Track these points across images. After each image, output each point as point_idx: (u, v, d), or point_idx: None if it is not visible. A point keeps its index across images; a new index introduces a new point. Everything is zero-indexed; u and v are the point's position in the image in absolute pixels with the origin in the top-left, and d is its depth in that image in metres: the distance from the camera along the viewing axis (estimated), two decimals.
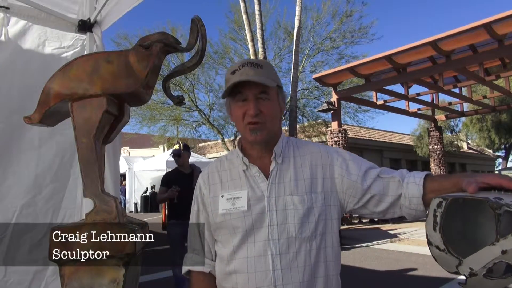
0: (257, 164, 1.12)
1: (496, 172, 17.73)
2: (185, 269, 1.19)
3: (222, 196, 1.11)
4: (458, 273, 0.78)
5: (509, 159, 24.09)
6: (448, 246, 0.79)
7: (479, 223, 0.83)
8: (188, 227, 1.21)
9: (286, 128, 10.27)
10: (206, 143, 21.56)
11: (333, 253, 1.08)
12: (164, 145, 20.24)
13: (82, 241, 1.12)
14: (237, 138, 16.93)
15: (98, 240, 1.13)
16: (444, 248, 0.79)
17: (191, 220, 1.20)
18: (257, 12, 10.16)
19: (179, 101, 1.37)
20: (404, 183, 1.03)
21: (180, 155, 4.15)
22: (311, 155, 1.14)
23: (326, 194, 1.08)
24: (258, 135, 1.07)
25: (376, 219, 10.34)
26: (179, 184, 3.97)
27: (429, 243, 0.84)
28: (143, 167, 15.95)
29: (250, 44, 10.38)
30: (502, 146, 23.33)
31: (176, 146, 4.24)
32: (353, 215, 10.88)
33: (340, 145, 9.65)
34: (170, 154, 4.33)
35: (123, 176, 16.25)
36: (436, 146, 12.75)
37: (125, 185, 16.59)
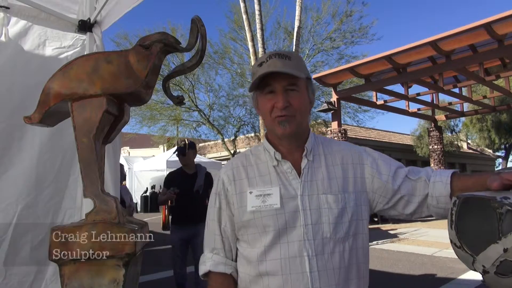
0: (288, 160, 1.07)
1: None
2: (204, 270, 1.09)
3: (251, 193, 1.04)
4: (475, 270, 0.79)
5: (509, 159, 24.09)
6: (462, 243, 0.80)
7: (493, 221, 0.84)
8: (206, 224, 1.14)
9: None
10: (206, 143, 21.55)
11: (364, 255, 1.06)
12: (164, 145, 20.23)
13: (82, 241, 1.12)
14: (238, 138, 16.95)
15: (98, 240, 1.13)
16: (460, 245, 0.81)
17: (211, 218, 1.12)
18: (257, 12, 10.17)
19: (179, 101, 1.37)
20: (430, 182, 1.03)
21: (184, 154, 3.80)
22: (341, 154, 1.10)
23: (357, 194, 1.05)
24: (287, 127, 1.02)
25: (376, 219, 10.34)
26: (181, 185, 3.68)
27: (450, 240, 0.85)
28: (143, 167, 15.94)
29: (250, 44, 10.38)
30: (502, 146, 23.32)
31: (181, 144, 3.90)
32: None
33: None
34: (174, 153, 3.91)
35: (123, 176, 16.22)
36: (436, 146, 12.74)
37: (125, 185, 16.57)
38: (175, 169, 4.08)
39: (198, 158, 11.47)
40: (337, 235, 0.99)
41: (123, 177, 4.56)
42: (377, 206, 1.08)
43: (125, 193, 4.13)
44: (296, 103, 1.02)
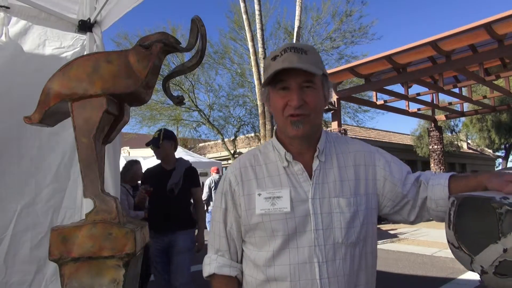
0: (299, 161, 1.02)
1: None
2: (208, 271, 1.06)
3: (259, 195, 0.99)
4: (473, 270, 0.79)
5: (509, 159, 24.07)
6: (460, 243, 0.80)
7: (490, 221, 0.84)
8: (211, 225, 1.10)
9: None
10: (206, 143, 21.54)
11: (372, 258, 1.03)
12: None
13: (82, 241, 1.12)
14: (238, 138, 16.92)
15: (98, 240, 1.13)
16: (458, 246, 0.81)
17: (216, 218, 1.08)
18: (257, 12, 10.16)
19: (179, 101, 1.37)
20: (429, 185, 1.01)
21: (158, 146, 3.05)
22: (354, 154, 1.06)
23: (368, 197, 1.01)
24: (300, 128, 0.96)
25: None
26: (156, 184, 3.05)
27: (447, 240, 0.85)
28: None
29: (250, 44, 10.38)
30: (502, 146, 23.29)
31: (155, 134, 3.15)
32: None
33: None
34: (146, 144, 3.13)
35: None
36: (436, 146, 12.74)
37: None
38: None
39: (198, 158, 11.42)
40: (348, 240, 0.96)
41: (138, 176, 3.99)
42: (384, 209, 1.05)
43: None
44: (311, 101, 0.96)
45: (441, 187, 0.98)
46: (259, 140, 13.51)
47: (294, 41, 9.86)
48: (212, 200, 7.50)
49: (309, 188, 0.98)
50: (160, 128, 3.24)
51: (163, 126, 17.25)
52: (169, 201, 2.96)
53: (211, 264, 1.06)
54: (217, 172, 8.56)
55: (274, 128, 0.99)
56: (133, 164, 4.09)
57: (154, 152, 3.14)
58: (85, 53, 2.11)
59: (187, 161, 3.23)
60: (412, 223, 1.07)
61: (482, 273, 0.75)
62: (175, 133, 19.05)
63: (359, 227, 0.97)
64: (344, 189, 0.99)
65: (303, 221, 0.96)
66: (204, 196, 7.40)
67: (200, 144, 21.53)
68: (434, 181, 1.01)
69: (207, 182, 8.03)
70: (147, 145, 3.14)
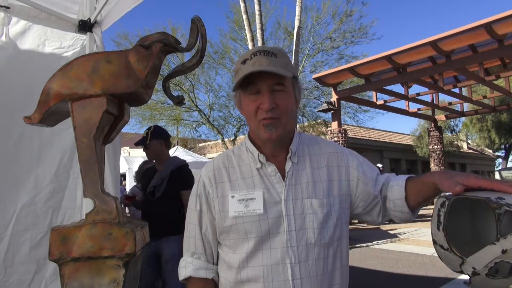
0: (272, 162, 1.02)
1: (496, 172, 17.67)
2: (184, 275, 1.06)
3: (233, 197, 1.00)
4: (462, 272, 0.78)
5: (509, 159, 24.09)
6: (451, 245, 0.79)
7: (483, 223, 0.83)
8: (186, 227, 1.10)
9: None
10: (206, 143, 21.55)
11: (346, 258, 1.04)
12: None
13: (82, 241, 1.12)
14: (238, 138, 16.95)
15: (98, 240, 1.13)
16: (448, 247, 0.80)
17: (191, 221, 1.08)
18: (257, 12, 10.15)
19: (179, 101, 1.37)
20: (389, 186, 1.03)
21: (146, 145, 2.80)
22: (327, 155, 1.06)
23: (342, 197, 1.02)
24: (273, 132, 0.96)
25: None
26: (145, 186, 2.87)
27: (434, 242, 0.84)
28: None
29: (250, 44, 10.37)
30: (502, 146, 23.31)
31: (145, 133, 2.88)
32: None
33: (340, 145, 9.64)
34: (135, 144, 2.89)
35: (123, 176, 16.18)
36: (436, 146, 12.74)
37: (125, 185, 16.53)
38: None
39: (198, 158, 11.39)
40: (322, 241, 0.97)
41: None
42: (356, 210, 1.06)
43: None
44: (283, 104, 0.96)
45: (398, 188, 1.00)
46: None
47: (294, 41, 9.86)
48: None
49: (282, 189, 0.99)
50: (150, 126, 2.94)
51: (163, 126, 17.28)
52: (150, 204, 2.78)
53: (187, 267, 1.06)
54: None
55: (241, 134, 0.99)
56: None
57: (145, 153, 2.90)
58: (85, 53, 2.11)
59: (178, 161, 2.92)
60: (379, 223, 1.09)
61: (474, 274, 0.74)
62: (175, 133, 18.80)
63: (332, 228, 0.98)
64: (317, 190, 1.00)
65: (276, 222, 0.96)
66: None
67: (200, 144, 21.53)
68: (393, 182, 1.03)
69: None
70: (136, 145, 2.91)
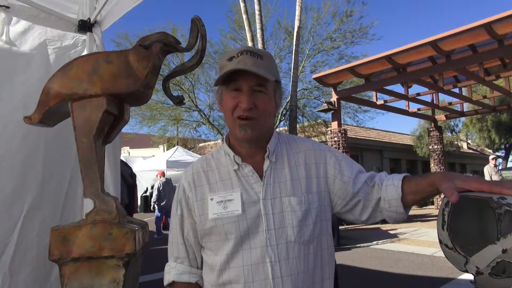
0: (248, 162, 1.03)
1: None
2: (168, 280, 1.06)
3: (212, 199, 1.00)
4: (467, 271, 0.78)
5: (509, 159, 24.09)
6: (455, 244, 0.79)
7: (488, 222, 0.83)
8: (169, 233, 1.11)
9: (286, 128, 10.23)
10: (206, 143, 21.55)
11: (328, 256, 1.04)
12: (164, 145, 20.24)
13: (82, 241, 1.12)
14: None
15: (98, 240, 1.13)
16: (452, 247, 0.80)
17: (173, 226, 1.09)
18: (257, 12, 10.16)
19: (179, 101, 1.37)
20: (383, 186, 1.02)
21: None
22: (305, 153, 1.07)
23: (320, 194, 1.03)
24: (248, 132, 0.98)
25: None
26: None
27: (440, 241, 0.85)
28: (143, 167, 15.93)
29: (250, 44, 10.37)
30: (502, 146, 23.31)
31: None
32: None
33: (340, 145, 9.64)
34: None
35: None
36: (436, 146, 12.74)
37: None
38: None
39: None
40: (301, 238, 0.97)
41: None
42: (335, 207, 1.06)
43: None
44: (261, 105, 0.98)
45: (394, 188, 0.99)
46: None
47: (294, 41, 9.86)
48: (162, 202, 8.92)
49: (260, 189, 1.00)
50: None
51: (163, 126, 17.28)
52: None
53: (170, 272, 1.06)
54: (163, 176, 9.56)
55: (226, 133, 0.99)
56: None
57: None
58: (85, 53, 2.11)
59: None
60: (364, 222, 1.08)
61: (477, 273, 0.74)
62: (175, 133, 18.85)
63: (312, 225, 0.99)
64: (295, 188, 1.00)
65: (255, 222, 0.97)
66: (154, 198, 8.99)
67: (200, 144, 21.54)
68: (388, 182, 1.02)
69: (156, 185, 9.16)
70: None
